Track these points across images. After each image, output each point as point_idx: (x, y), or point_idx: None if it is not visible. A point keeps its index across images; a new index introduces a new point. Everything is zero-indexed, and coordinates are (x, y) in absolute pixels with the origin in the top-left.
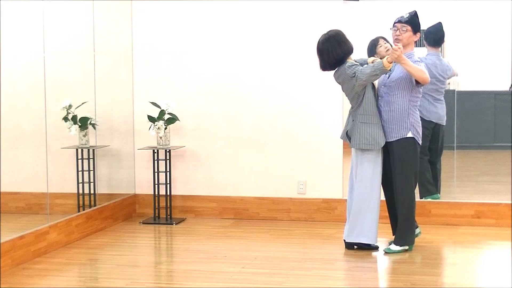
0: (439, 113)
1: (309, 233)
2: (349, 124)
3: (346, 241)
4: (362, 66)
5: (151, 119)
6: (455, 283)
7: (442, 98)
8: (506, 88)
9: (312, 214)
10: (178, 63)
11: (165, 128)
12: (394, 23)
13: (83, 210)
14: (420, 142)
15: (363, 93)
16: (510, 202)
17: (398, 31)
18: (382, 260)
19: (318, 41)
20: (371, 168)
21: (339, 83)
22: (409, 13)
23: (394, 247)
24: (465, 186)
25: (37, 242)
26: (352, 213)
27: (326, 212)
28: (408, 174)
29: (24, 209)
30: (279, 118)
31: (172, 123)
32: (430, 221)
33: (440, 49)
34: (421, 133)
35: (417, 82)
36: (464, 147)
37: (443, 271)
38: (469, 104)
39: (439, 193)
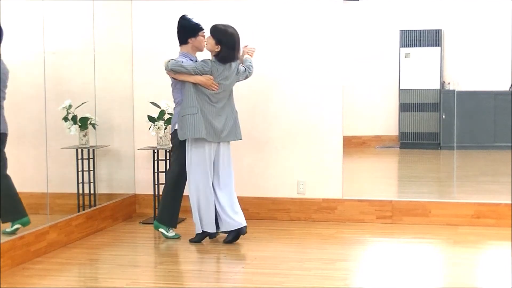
0: None
1: (308, 233)
2: (224, 120)
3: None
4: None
5: (151, 119)
6: (455, 283)
7: None
8: (506, 88)
9: (312, 214)
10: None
11: (165, 128)
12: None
13: (83, 210)
14: None
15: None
16: (510, 202)
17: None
18: (380, 260)
19: (233, 32)
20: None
21: (226, 78)
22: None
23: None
24: (465, 186)
25: (37, 242)
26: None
27: (326, 212)
28: None
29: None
30: (279, 118)
31: None
32: (430, 221)
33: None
34: None
35: None
36: (464, 147)
37: (443, 271)
38: (469, 104)
39: None
